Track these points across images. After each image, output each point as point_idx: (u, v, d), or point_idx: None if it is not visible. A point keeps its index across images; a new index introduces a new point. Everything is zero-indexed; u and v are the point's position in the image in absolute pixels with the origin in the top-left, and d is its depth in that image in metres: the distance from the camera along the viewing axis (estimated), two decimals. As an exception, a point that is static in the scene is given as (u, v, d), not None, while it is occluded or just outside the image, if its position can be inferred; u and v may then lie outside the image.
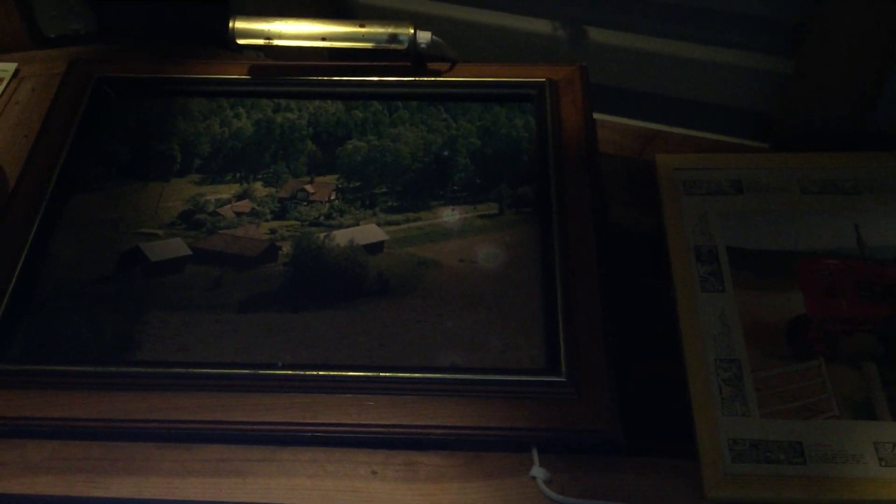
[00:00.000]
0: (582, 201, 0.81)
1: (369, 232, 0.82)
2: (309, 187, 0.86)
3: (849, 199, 0.83)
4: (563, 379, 0.69)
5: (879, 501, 0.65)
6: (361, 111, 0.92)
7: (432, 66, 0.92)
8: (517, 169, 0.86)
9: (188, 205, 0.84)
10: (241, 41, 0.88)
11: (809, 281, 0.78)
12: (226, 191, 0.85)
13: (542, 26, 0.98)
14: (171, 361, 0.73)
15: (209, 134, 0.90)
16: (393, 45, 0.88)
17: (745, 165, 0.87)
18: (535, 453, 0.68)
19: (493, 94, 0.92)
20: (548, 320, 0.74)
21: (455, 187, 0.85)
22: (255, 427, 0.69)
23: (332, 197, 0.85)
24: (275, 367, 0.71)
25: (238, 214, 0.83)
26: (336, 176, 0.87)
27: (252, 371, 0.71)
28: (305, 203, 0.84)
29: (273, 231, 0.82)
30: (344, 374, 0.71)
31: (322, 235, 0.81)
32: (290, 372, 0.71)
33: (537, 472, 0.67)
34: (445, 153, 0.88)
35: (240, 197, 0.85)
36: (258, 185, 0.86)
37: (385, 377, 0.71)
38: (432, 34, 0.89)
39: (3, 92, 0.99)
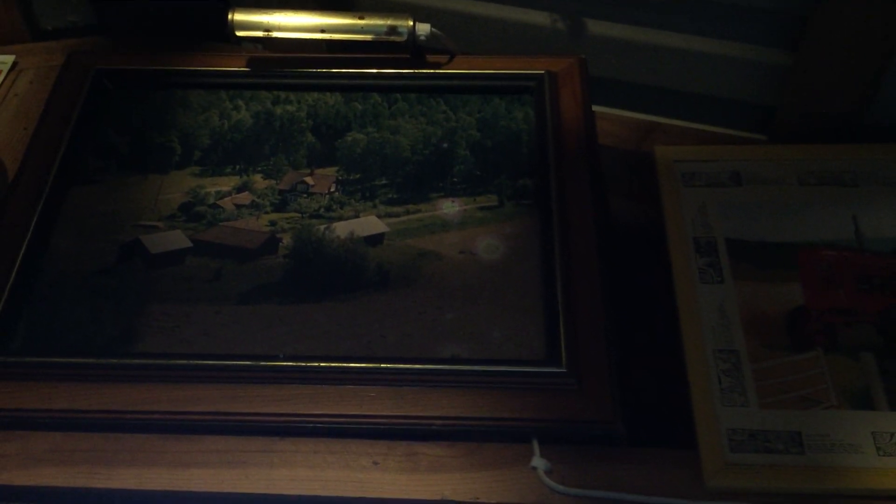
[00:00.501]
0: (582, 193, 0.81)
1: (369, 224, 0.82)
2: (309, 179, 0.86)
3: (847, 192, 0.84)
4: (563, 370, 0.69)
5: (877, 490, 0.66)
6: (361, 103, 0.92)
7: (431, 58, 0.92)
8: (517, 161, 0.86)
9: (188, 197, 0.84)
10: (240, 33, 0.88)
11: (808, 272, 0.78)
12: (225, 183, 0.85)
13: (541, 18, 0.98)
14: (173, 353, 0.73)
15: (208, 126, 0.90)
16: (392, 38, 0.88)
17: (744, 157, 0.87)
18: (535, 444, 0.69)
19: (493, 86, 0.92)
20: (548, 311, 0.74)
21: (455, 179, 0.85)
22: (257, 418, 0.69)
23: (332, 189, 0.85)
24: (276, 358, 0.71)
25: (238, 206, 0.84)
26: (336, 168, 0.87)
27: (253, 363, 0.71)
28: (305, 195, 0.84)
29: (273, 223, 0.82)
30: (345, 365, 0.71)
31: (322, 227, 0.81)
32: (291, 364, 0.71)
33: (538, 462, 0.68)
34: (445, 145, 0.88)
35: (240, 189, 0.85)
36: (258, 177, 0.86)
37: (386, 368, 0.71)
38: (431, 26, 0.89)
39: (2, 84, 0.99)
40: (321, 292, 0.77)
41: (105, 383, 0.70)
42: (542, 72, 0.90)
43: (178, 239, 0.81)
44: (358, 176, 0.86)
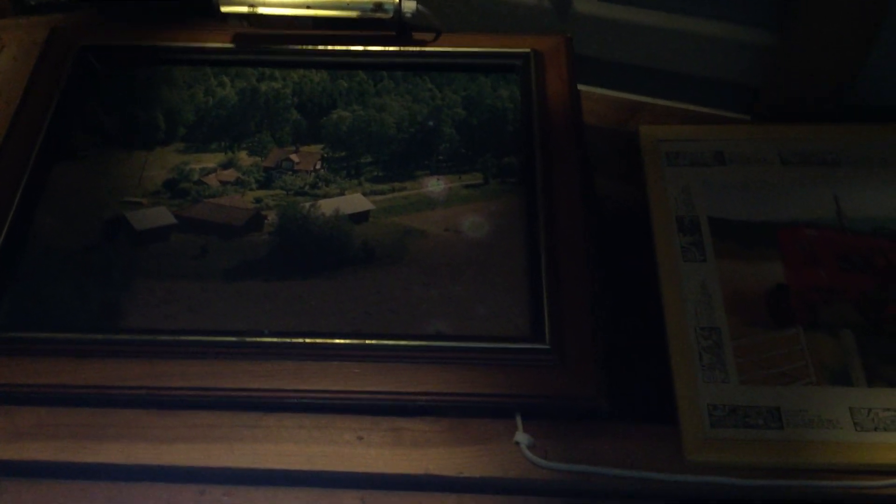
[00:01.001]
0: (567, 171, 0.82)
1: (355, 201, 0.82)
2: (294, 157, 0.86)
3: (829, 171, 0.84)
4: (546, 346, 0.70)
5: (854, 465, 0.67)
6: (346, 81, 0.91)
7: (417, 35, 0.92)
8: (502, 139, 0.86)
9: (173, 173, 0.84)
10: (224, 9, 0.88)
11: (789, 251, 0.79)
12: (210, 160, 0.85)
13: (527, -3, 0.97)
14: (158, 329, 0.73)
15: (193, 102, 0.90)
16: (378, 14, 0.88)
17: (728, 137, 0.88)
18: (518, 419, 0.69)
19: (479, 64, 0.92)
20: (532, 289, 0.75)
21: (440, 157, 0.86)
22: (242, 393, 0.69)
23: (318, 166, 0.85)
24: (261, 334, 0.72)
25: (223, 183, 0.83)
26: (321, 145, 0.87)
27: (239, 338, 0.71)
28: (291, 172, 0.84)
29: (258, 200, 0.82)
30: (330, 341, 0.71)
31: (307, 205, 0.81)
32: (276, 339, 0.71)
33: (521, 437, 0.68)
34: (431, 123, 0.88)
35: (225, 166, 0.85)
36: (243, 154, 0.86)
37: (371, 344, 0.71)
38: (417, 4, 0.88)
39: (-16, 59, 0.98)
40: (306, 269, 0.77)
41: (90, 359, 0.70)
42: (528, 50, 0.90)
43: (162, 215, 0.81)
44: (343, 153, 0.86)
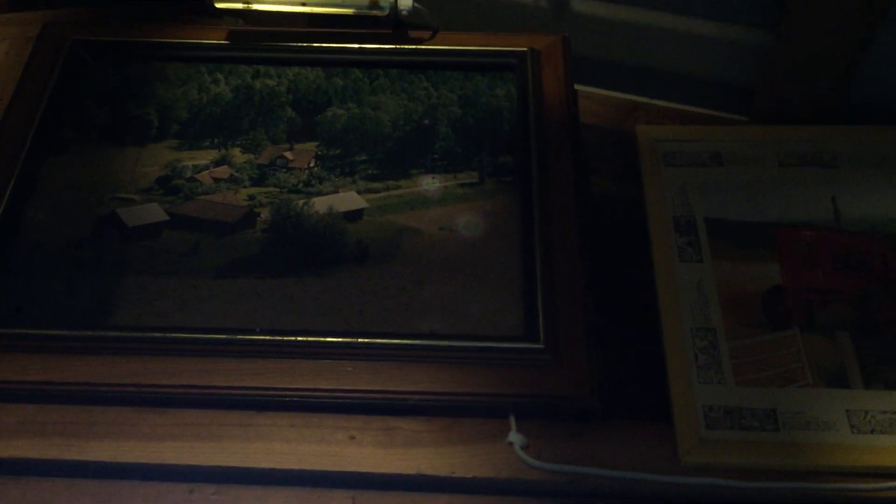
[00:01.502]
0: (563, 171, 0.81)
1: (349, 199, 0.81)
2: (288, 154, 0.85)
3: (826, 172, 0.84)
4: (540, 346, 0.70)
5: (851, 467, 0.66)
6: (342, 78, 0.91)
7: (413, 34, 0.92)
8: (498, 138, 0.86)
9: (165, 170, 0.83)
10: (219, 5, 0.87)
11: (786, 252, 0.79)
12: (203, 157, 0.85)
13: (524, -5, 0.97)
14: (149, 326, 0.72)
15: (187, 99, 0.89)
16: (374, 12, 0.87)
17: (725, 138, 0.87)
18: (512, 419, 0.69)
19: (475, 62, 0.91)
20: (527, 288, 0.74)
21: (435, 156, 0.85)
22: (233, 392, 0.69)
23: (312, 164, 0.84)
24: (253, 332, 0.71)
25: (216, 180, 0.83)
26: (315, 143, 0.86)
27: (230, 336, 0.71)
28: (284, 170, 0.84)
29: (251, 197, 0.81)
30: (322, 339, 0.71)
31: (301, 202, 0.81)
32: (268, 337, 0.71)
33: (514, 437, 0.68)
34: (426, 121, 0.87)
35: (218, 163, 0.84)
36: (236, 151, 0.85)
37: (363, 343, 0.71)
38: (414, 1, 0.88)
39: (-23, 55, 0.97)
40: (299, 267, 0.76)
41: (79, 355, 0.70)
42: (525, 49, 0.89)
43: (154, 212, 0.80)
44: (338, 151, 0.85)
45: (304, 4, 0.87)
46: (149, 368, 0.69)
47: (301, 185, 0.82)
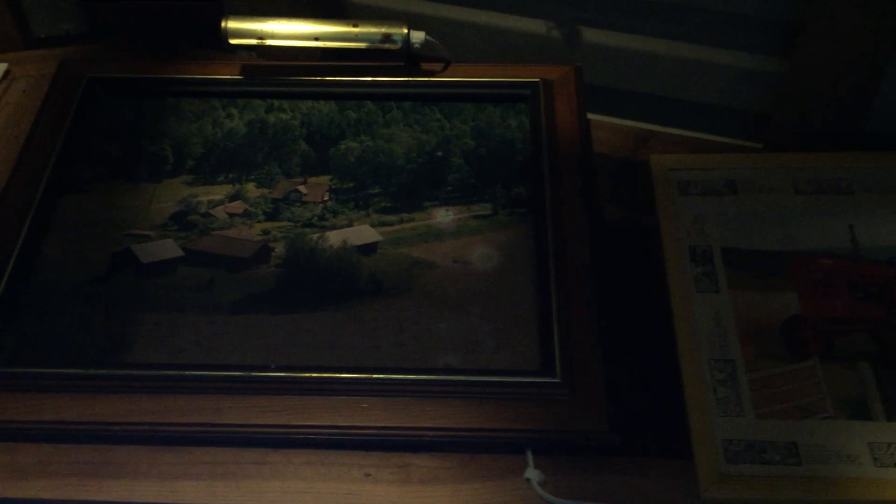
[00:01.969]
0: (576, 201, 0.81)
1: (363, 233, 0.81)
2: (302, 188, 0.85)
3: (843, 200, 0.83)
4: (557, 380, 0.69)
5: (874, 502, 0.65)
6: (355, 111, 0.91)
7: (426, 66, 0.92)
8: (511, 169, 0.86)
9: (180, 206, 0.84)
10: (233, 41, 0.88)
11: (804, 281, 0.78)
12: (218, 192, 0.85)
13: (536, 26, 0.97)
14: (164, 363, 0.72)
15: (201, 134, 0.89)
16: (387, 45, 0.88)
17: (740, 165, 0.87)
18: (529, 455, 0.68)
19: (487, 94, 0.91)
20: (542, 321, 0.74)
21: (449, 188, 0.85)
22: (249, 429, 0.68)
23: (326, 198, 0.84)
24: (268, 368, 0.71)
25: (231, 215, 0.83)
26: (329, 176, 0.86)
27: (245, 373, 0.70)
28: (298, 204, 0.84)
29: (266, 232, 0.82)
30: (337, 375, 0.70)
31: (315, 236, 0.81)
32: (283, 374, 0.70)
33: (532, 473, 0.67)
34: (439, 154, 0.87)
35: (232, 198, 0.85)
36: (251, 185, 0.86)
37: (378, 378, 0.70)
38: (426, 34, 0.88)
39: (-6, 92, 0.98)
40: (314, 302, 0.76)
41: (95, 394, 0.70)
42: (538, 80, 0.90)
43: (169, 248, 0.80)
44: (351, 184, 0.85)
45: (317, 39, 0.88)
46: (164, 406, 0.69)
47: (315, 218, 0.82)
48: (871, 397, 0.70)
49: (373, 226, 0.82)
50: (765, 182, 0.85)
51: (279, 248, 0.80)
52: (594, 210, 0.81)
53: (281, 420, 0.68)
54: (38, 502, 0.67)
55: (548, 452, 0.69)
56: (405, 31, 0.88)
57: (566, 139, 0.86)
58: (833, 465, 0.66)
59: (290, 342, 0.74)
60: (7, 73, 1.01)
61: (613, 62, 0.97)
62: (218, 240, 0.81)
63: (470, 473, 0.68)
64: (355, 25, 0.88)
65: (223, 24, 0.87)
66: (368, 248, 0.80)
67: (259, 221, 0.82)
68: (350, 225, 0.82)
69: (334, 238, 0.81)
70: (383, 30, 0.88)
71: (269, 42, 0.88)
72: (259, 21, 0.88)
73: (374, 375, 0.70)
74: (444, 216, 0.83)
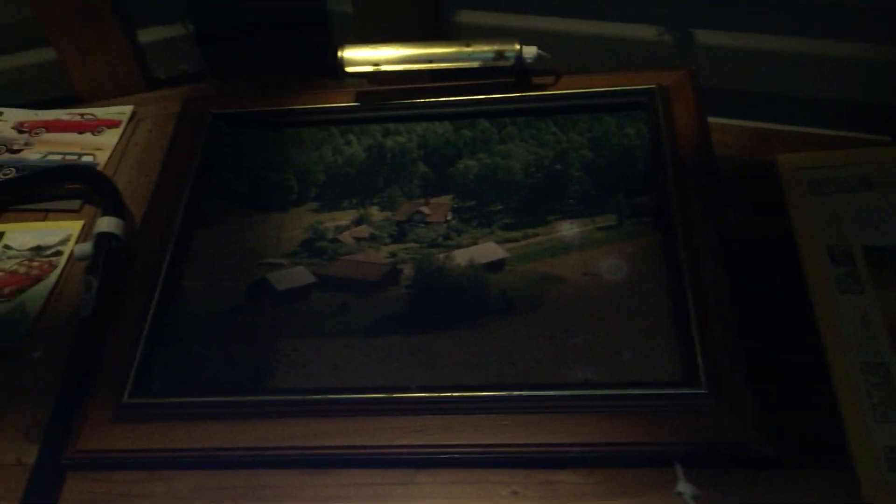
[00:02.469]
0: (703, 207, 0.79)
1: (488, 250, 0.82)
2: (424, 209, 0.86)
3: None
4: (703, 391, 0.67)
5: None
6: (470, 130, 0.92)
7: (537, 80, 0.92)
8: (633, 178, 0.85)
9: (308, 233, 0.85)
10: (349, 69, 0.90)
11: (954, 277, 0.74)
12: (343, 217, 0.87)
13: (647, 32, 0.96)
14: (305, 388, 0.74)
15: (323, 162, 0.91)
16: (500, 63, 0.88)
17: (872, 160, 0.83)
18: (678, 468, 0.67)
19: (602, 104, 0.91)
20: (680, 331, 0.72)
21: (571, 200, 0.84)
22: (394, 450, 0.69)
23: (449, 217, 0.85)
24: (408, 389, 0.72)
25: (357, 240, 0.84)
26: (450, 196, 0.87)
27: (387, 395, 0.71)
28: (422, 225, 0.85)
29: (393, 254, 0.83)
30: (476, 394, 0.71)
31: (442, 256, 0.81)
32: (423, 394, 0.71)
33: (684, 487, 0.66)
34: (558, 167, 0.87)
35: (357, 222, 0.86)
36: (374, 209, 0.87)
37: (518, 395, 0.70)
38: (538, 48, 0.88)
39: (122, 134, 1.03)
40: (446, 321, 0.77)
41: (244, 420, 0.72)
42: (653, 86, 0.88)
43: (302, 275, 0.82)
44: (472, 203, 0.86)
45: (430, 62, 0.89)
46: (311, 430, 0.70)
47: (440, 238, 0.83)
48: None
49: (497, 242, 0.82)
50: (901, 176, 0.81)
51: (407, 270, 0.81)
52: (722, 214, 0.79)
53: (425, 440, 0.69)
54: (197, 528, 0.69)
55: (696, 465, 0.67)
56: (517, 46, 0.88)
57: (687, 145, 0.84)
58: None
59: (426, 362, 0.74)
60: (133, 114, 1.05)
61: (728, 62, 0.95)
62: (348, 264, 0.82)
63: (617, 488, 0.67)
64: (468, 45, 0.88)
65: (339, 54, 0.89)
66: (495, 266, 0.80)
67: (385, 244, 0.84)
68: (475, 243, 0.82)
69: (461, 257, 0.81)
70: (496, 47, 0.88)
71: (384, 67, 0.89)
72: (373, 48, 0.89)
73: (514, 392, 0.70)
74: (568, 229, 0.82)
